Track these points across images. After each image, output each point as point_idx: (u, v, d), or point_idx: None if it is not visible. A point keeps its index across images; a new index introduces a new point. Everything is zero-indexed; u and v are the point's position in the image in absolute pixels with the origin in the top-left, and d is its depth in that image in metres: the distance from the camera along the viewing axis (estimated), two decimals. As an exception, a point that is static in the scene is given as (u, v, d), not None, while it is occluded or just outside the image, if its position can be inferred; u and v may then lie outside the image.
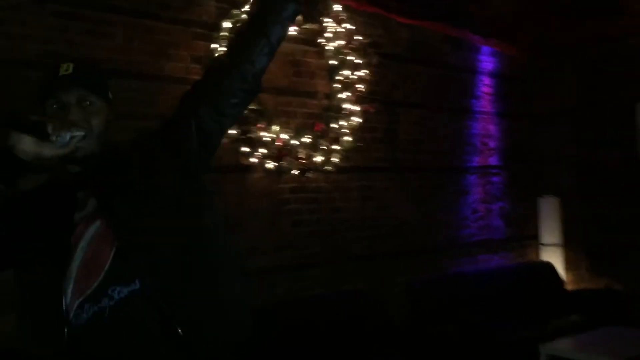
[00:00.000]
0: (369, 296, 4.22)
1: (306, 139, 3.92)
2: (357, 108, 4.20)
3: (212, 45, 3.54)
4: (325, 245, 4.10)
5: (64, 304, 1.41)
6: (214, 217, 1.63)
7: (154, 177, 1.54)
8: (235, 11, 3.61)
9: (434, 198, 4.89)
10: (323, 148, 4.00)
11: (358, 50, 4.22)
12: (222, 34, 3.55)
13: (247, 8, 3.60)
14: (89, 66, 1.66)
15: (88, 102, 1.56)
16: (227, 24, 3.57)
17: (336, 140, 4.09)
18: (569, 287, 5.44)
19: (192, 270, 1.47)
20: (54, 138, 1.42)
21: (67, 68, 1.57)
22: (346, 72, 4.17)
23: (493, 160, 5.45)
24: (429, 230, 4.81)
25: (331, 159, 4.06)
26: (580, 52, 5.51)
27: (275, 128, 3.75)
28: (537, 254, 5.63)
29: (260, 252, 3.74)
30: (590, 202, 5.45)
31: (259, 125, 3.67)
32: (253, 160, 3.70)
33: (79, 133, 1.47)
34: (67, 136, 1.45)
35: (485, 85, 5.44)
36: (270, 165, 3.77)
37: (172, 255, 1.46)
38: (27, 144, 1.42)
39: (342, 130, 4.13)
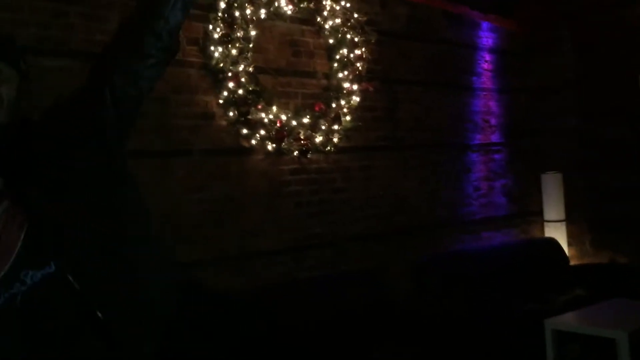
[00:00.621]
0: (372, 275, 4.21)
1: (306, 120, 3.89)
2: (356, 87, 4.17)
3: (209, 27, 3.50)
4: (327, 226, 4.09)
5: None
6: (133, 197, 1.54)
7: (66, 152, 1.43)
8: (231, -9, 3.56)
9: (435, 176, 4.86)
10: (323, 128, 3.98)
11: (356, 28, 4.17)
12: (218, 14, 3.51)
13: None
14: (1, 36, 1.58)
15: (5, 73, 1.46)
16: (222, 4, 3.53)
17: (336, 120, 4.06)
18: (573, 262, 5.44)
19: (108, 252, 1.39)
20: None
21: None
22: (345, 51, 4.13)
23: (495, 137, 5.41)
24: (431, 208, 4.79)
25: (331, 139, 4.04)
26: (580, 23, 5.45)
27: (275, 109, 3.72)
28: (541, 230, 5.62)
29: (262, 235, 3.73)
30: (593, 176, 5.42)
31: (258, 106, 3.64)
32: (253, 142, 3.68)
33: None
34: None
35: (486, 62, 5.39)
36: (270, 147, 3.75)
37: (88, 236, 1.37)
38: None
39: (342, 109, 4.10)
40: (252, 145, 3.69)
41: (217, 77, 3.52)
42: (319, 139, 3.97)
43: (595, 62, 5.39)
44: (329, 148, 4.05)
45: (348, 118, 4.13)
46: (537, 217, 5.61)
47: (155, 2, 1.53)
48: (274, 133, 3.72)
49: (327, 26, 4.09)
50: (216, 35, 3.50)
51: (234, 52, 3.52)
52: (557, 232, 5.47)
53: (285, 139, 3.78)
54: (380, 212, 4.42)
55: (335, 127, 4.05)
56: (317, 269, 3.98)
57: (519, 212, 5.52)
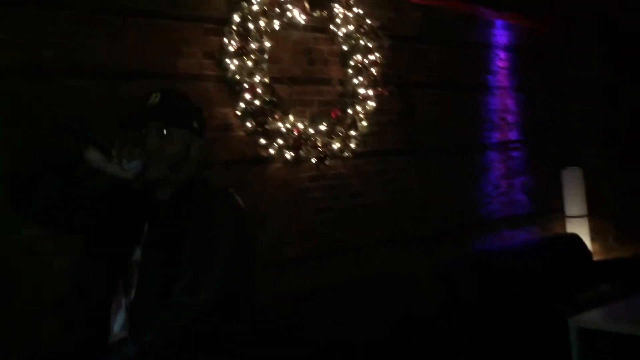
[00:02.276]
0: (398, 280, 4.21)
1: (323, 127, 3.92)
2: (371, 92, 4.19)
3: (224, 40, 3.55)
4: (348, 232, 4.11)
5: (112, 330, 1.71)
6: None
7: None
8: (245, 4, 3.60)
9: (455, 177, 4.86)
10: (340, 135, 4.01)
11: (369, 34, 4.20)
12: (233, 27, 3.56)
13: (257, -1, 3.60)
14: (174, 97, 1.85)
15: (165, 132, 1.74)
16: (237, 18, 3.57)
17: (352, 126, 4.08)
18: (597, 257, 5.40)
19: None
20: (116, 161, 1.65)
21: (155, 98, 1.77)
22: (359, 57, 4.15)
23: (513, 135, 5.40)
24: (451, 210, 4.79)
25: (349, 145, 4.06)
26: (606, 21, 5.40)
27: (291, 118, 3.75)
28: (562, 227, 5.58)
29: (285, 243, 3.77)
30: (616, 171, 5.39)
31: (275, 116, 3.68)
32: (271, 151, 3.72)
33: (138, 164, 1.68)
34: (131, 164, 1.67)
35: (501, 60, 5.38)
36: (288, 155, 3.78)
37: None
38: (93, 156, 1.67)
39: (358, 115, 4.13)
40: (270, 155, 3.73)
41: (233, 89, 3.57)
42: (336, 145, 3.99)
43: (621, 62, 5.33)
44: (346, 154, 4.07)
45: (364, 123, 4.15)
46: (558, 213, 5.59)
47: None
48: (291, 141, 3.76)
49: (340, 33, 4.11)
50: (231, 48, 3.54)
51: (249, 63, 3.56)
52: (580, 228, 5.43)
53: (303, 147, 3.81)
54: (401, 216, 4.44)
55: (352, 132, 4.07)
56: (341, 275, 4.00)
57: (539, 209, 5.49)
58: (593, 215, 5.47)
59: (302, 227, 3.86)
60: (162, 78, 3.33)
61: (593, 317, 3.95)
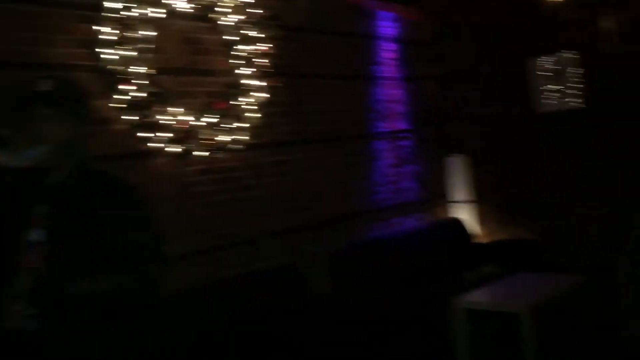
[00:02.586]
0: (290, 270, 4.23)
1: (210, 119, 3.84)
2: (261, 83, 4.15)
3: (96, 28, 3.35)
4: (239, 225, 4.06)
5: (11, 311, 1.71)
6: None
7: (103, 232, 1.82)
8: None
9: (346, 166, 4.94)
10: (228, 127, 3.93)
11: (257, 23, 4.14)
12: (110, 15, 3.38)
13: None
14: (65, 84, 1.87)
15: (57, 118, 1.79)
16: (113, 4, 3.40)
17: (241, 118, 4.02)
18: (482, 240, 5.68)
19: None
20: (13, 150, 1.67)
21: (45, 84, 1.79)
22: (246, 47, 4.09)
23: (401, 124, 5.55)
24: (343, 198, 4.86)
25: (238, 137, 4.00)
26: (476, 10, 5.66)
27: (176, 110, 3.64)
28: (450, 212, 5.83)
29: (171, 238, 3.65)
30: (498, 157, 5.68)
31: (158, 108, 3.55)
32: (155, 145, 3.59)
33: (40, 149, 1.72)
34: (30, 152, 1.69)
35: (389, 51, 5.50)
36: (174, 149, 3.67)
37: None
38: None
39: (247, 106, 4.07)
40: (154, 148, 3.60)
41: (113, 80, 3.40)
42: (225, 137, 3.92)
43: (492, 49, 5.62)
44: (236, 146, 4.01)
45: (254, 115, 4.10)
46: (445, 199, 5.82)
47: None
48: (177, 135, 3.64)
49: (226, 23, 4.03)
50: (109, 37, 3.37)
51: (129, 53, 3.41)
52: (465, 213, 5.69)
53: (189, 140, 3.71)
54: (294, 206, 4.44)
55: (241, 124, 4.01)
56: (233, 268, 3.95)
57: (427, 196, 5.70)
58: (480, 199, 5.75)
59: (190, 221, 3.76)
60: (33, 68, 3.11)
61: (475, 298, 4.15)
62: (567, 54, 5.16)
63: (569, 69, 5.16)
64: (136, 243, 1.86)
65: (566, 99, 5.19)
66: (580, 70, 5.12)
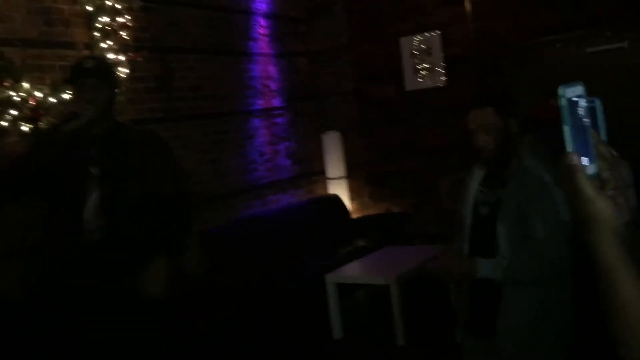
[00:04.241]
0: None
1: (66, 95, 3.57)
2: (122, 57, 3.93)
3: None
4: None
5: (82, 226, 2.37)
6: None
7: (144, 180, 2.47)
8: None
9: (219, 144, 4.83)
10: (88, 103, 3.69)
11: (117, -6, 3.91)
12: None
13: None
14: (102, 61, 2.84)
15: (99, 86, 2.42)
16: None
17: (102, 94, 3.79)
18: (355, 215, 5.82)
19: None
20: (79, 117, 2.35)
21: (88, 62, 2.48)
22: (105, 19, 3.85)
23: (276, 102, 5.52)
24: (217, 177, 4.77)
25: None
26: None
27: (26, 85, 3.35)
28: (325, 189, 5.91)
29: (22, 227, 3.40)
30: (369, 134, 5.81)
31: (4, 83, 3.25)
32: (3, 123, 3.29)
33: (91, 110, 2.36)
34: (85, 113, 2.36)
35: (262, 27, 5.42)
36: (25, 127, 3.38)
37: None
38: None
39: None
40: (2, 127, 3.30)
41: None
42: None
43: (365, 27, 5.71)
44: (97, 124, 3.78)
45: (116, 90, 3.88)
46: (321, 176, 5.89)
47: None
48: (28, 112, 3.37)
49: (84, -8, 3.76)
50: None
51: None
52: (339, 189, 5.80)
53: (43, 118, 3.44)
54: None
55: (102, 101, 3.78)
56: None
57: (303, 172, 5.73)
58: (351, 175, 5.87)
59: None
60: None
61: (346, 272, 4.25)
62: (433, 34, 5.35)
63: (433, 49, 5.35)
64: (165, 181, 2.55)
65: (431, 77, 5.39)
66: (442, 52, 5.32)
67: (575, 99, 0.81)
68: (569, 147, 0.80)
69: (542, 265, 1.99)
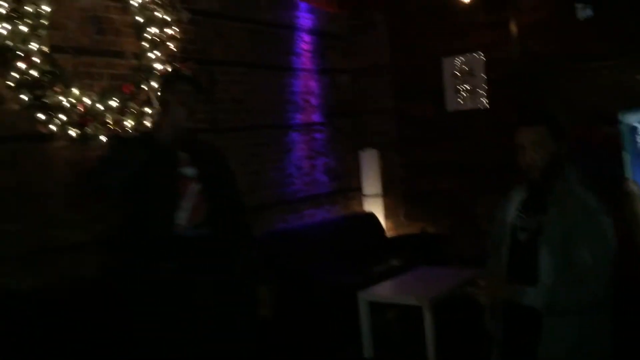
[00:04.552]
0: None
1: (113, 103, 3.67)
2: (169, 68, 4.01)
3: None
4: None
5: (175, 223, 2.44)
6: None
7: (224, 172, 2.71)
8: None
9: (258, 157, 4.88)
10: (133, 112, 3.78)
11: (166, 6, 4.00)
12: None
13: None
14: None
15: (192, 92, 2.53)
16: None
17: (148, 103, 3.87)
18: (389, 233, 5.79)
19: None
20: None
21: (184, 71, 3.00)
22: (154, 30, 3.94)
23: (316, 117, 5.55)
24: (254, 189, 4.80)
25: (143, 123, 3.85)
26: (393, 7, 5.74)
27: (76, 92, 3.45)
28: (361, 205, 5.89)
29: (69, 226, 3.48)
30: (407, 152, 5.80)
31: (55, 89, 3.35)
32: (52, 127, 3.39)
33: (184, 113, 2.47)
34: (177, 114, 2.46)
35: (305, 42, 5.48)
36: (73, 132, 3.48)
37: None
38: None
39: (154, 91, 3.92)
40: (51, 131, 3.40)
41: (4, 57, 3.18)
42: (129, 123, 3.76)
43: (407, 46, 5.72)
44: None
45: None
46: (357, 192, 5.88)
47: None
48: (76, 117, 3.46)
49: (134, 3, 3.86)
50: (1, 10, 3.15)
51: (23, 28, 3.20)
52: (375, 206, 5.78)
53: (90, 124, 3.53)
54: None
55: (147, 109, 3.86)
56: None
57: (340, 188, 5.74)
58: (387, 194, 5.85)
59: (88, 210, 3.58)
60: None
61: (379, 291, 4.22)
62: (476, 55, 5.32)
63: (475, 70, 5.32)
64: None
65: (472, 99, 5.36)
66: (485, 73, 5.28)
67: (635, 124, 0.80)
68: (630, 173, 0.79)
69: (587, 293, 1.94)
